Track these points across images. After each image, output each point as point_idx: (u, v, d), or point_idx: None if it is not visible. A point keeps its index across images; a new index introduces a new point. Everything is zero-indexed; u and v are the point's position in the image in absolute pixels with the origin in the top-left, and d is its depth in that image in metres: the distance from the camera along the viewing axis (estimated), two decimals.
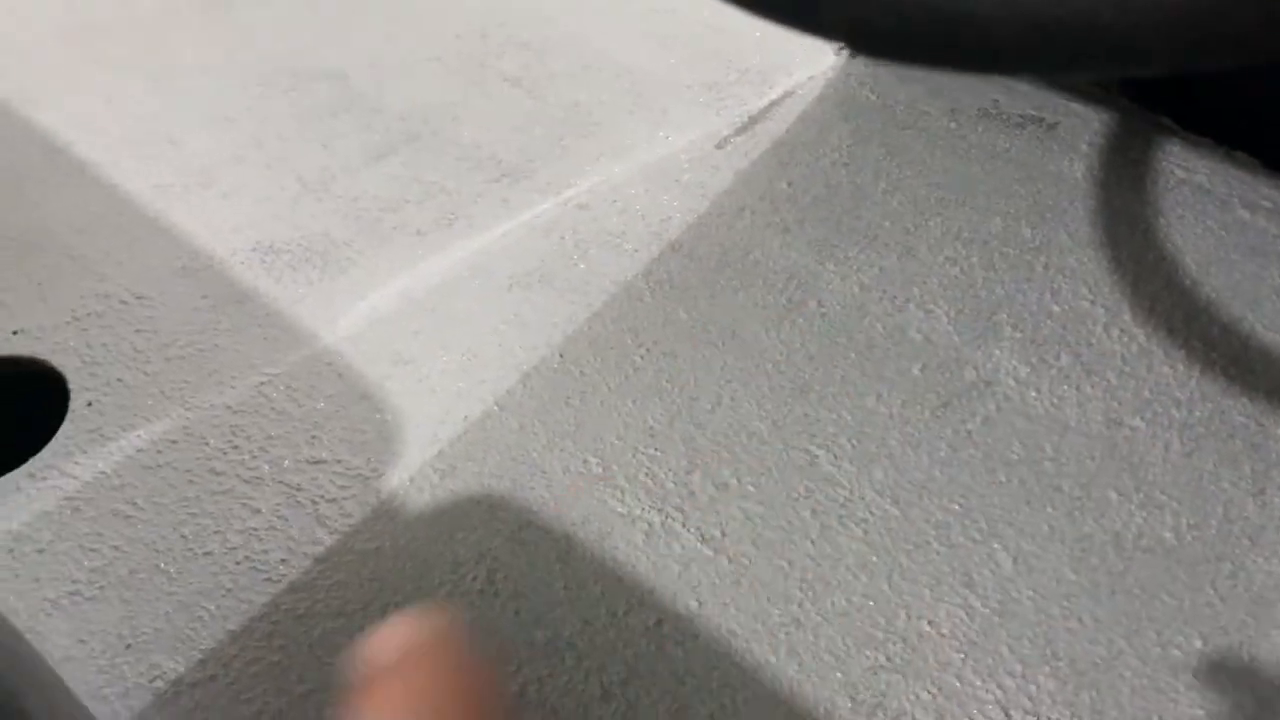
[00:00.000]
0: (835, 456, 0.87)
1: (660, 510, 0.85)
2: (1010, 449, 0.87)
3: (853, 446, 0.88)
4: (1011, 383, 0.91)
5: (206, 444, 0.91)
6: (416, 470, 0.89)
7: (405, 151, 1.15)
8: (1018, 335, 0.94)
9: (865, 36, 0.29)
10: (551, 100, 1.21)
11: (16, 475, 0.90)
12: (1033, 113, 1.12)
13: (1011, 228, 1.02)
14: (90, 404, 0.95)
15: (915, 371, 0.92)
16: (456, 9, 1.34)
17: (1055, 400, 0.90)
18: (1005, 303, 0.96)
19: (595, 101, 1.21)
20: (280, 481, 0.88)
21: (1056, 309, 0.96)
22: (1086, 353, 0.93)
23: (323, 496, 0.87)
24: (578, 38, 1.28)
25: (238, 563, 0.84)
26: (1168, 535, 0.81)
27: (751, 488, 0.86)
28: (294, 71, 1.26)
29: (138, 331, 0.99)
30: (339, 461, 0.89)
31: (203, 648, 0.80)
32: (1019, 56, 0.23)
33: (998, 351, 0.93)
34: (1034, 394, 0.90)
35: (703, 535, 0.84)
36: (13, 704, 0.37)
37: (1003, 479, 0.85)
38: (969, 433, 0.88)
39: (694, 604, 0.80)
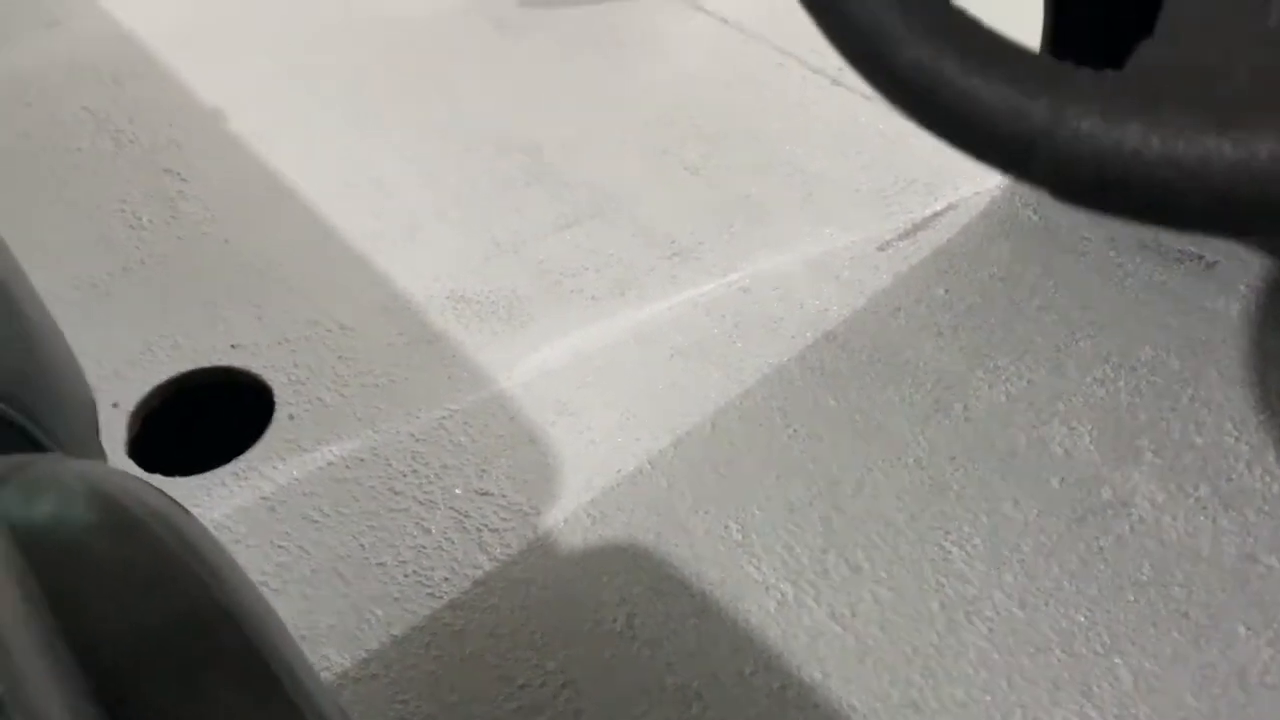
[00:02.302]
0: (968, 555, 0.91)
1: (794, 583, 0.91)
2: (1140, 570, 0.90)
3: (986, 548, 0.92)
4: (1148, 506, 0.94)
5: (389, 465, 1.01)
6: (571, 513, 0.97)
7: (589, 223, 1.25)
8: (1158, 461, 0.97)
9: (1066, 188, 0.35)
10: (726, 189, 1.30)
11: (222, 472, 1.02)
12: (1193, 249, 1.15)
13: (1161, 357, 1.05)
14: (291, 417, 1.06)
15: (1054, 484, 0.96)
16: (647, 98, 1.45)
17: (1190, 529, 0.92)
18: (1148, 429, 0.99)
19: (766, 194, 1.29)
20: (451, 507, 0.97)
21: (1199, 441, 0.98)
22: (1226, 487, 0.95)
23: (487, 525, 0.96)
24: (758, 134, 1.38)
25: (406, 575, 0.93)
26: None
27: (884, 574, 0.91)
28: (495, 141, 1.38)
29: (340, 358, 1.11)
30: (504, 496, 0.98)
31: (368, 648, 0.89)
32: (1212, 222, 0.29)
33: (1137, 475, 0.96)
34: (1169, 520, 0.93)
35: (833, 612, 0.89)
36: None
37: (1131, 598, 0.88)
38: (1101, 549, 0.91)
39: (818, 675, 0.85)
